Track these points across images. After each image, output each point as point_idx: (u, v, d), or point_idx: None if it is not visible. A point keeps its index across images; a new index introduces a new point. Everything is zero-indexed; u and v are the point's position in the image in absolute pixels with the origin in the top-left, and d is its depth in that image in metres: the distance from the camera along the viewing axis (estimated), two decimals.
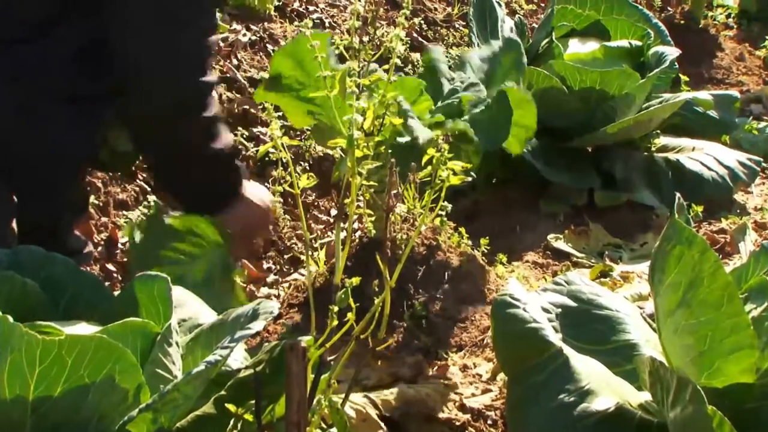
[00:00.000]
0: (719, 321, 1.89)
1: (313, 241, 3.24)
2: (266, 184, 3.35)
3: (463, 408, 2.50)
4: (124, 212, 3.30)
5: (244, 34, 4.22)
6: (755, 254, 2.18)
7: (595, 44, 4.16)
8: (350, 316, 1.91)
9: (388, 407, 2.39)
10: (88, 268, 2.82)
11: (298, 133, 3.88)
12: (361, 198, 2.10)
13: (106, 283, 2.68)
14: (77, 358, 1.62)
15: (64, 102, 2.38)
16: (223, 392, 1.85)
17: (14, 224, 2.36)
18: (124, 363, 1.67)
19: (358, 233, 3.06)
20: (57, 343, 1.61)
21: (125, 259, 3.15)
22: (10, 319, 1.61)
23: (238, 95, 3.91)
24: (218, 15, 4.02)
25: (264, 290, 3.25)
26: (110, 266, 3.10)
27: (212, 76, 2.44)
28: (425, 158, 1.92)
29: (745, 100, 5.06)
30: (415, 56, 4.56)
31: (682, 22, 5.83)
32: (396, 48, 1.97)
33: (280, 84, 2.85)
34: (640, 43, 4.19)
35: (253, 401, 1.84)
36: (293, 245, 3.49)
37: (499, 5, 4.24)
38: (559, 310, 2.27)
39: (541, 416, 2.05)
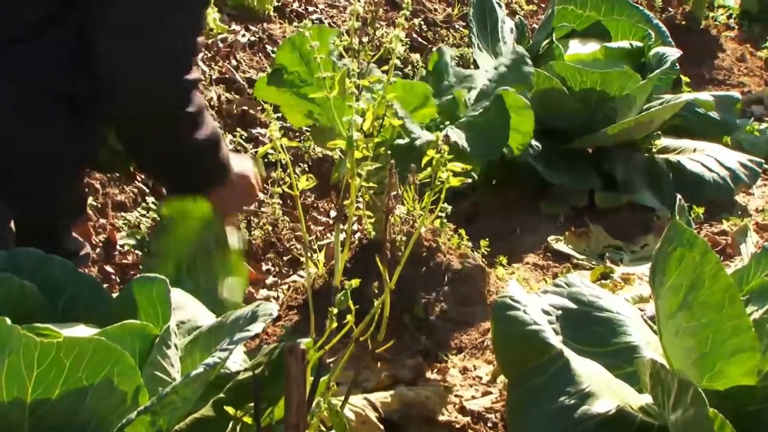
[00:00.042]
0: (720, 323, 1.89)
1: (312, 242, 3.24)
2: (266, 185, 3.35)
3: (463, 410, 2.49)
4: (123, 214, 3.29)
5: (243, 35, 4.22)
6: (756, 256, 2.18)
7: (595, 45, 4.16)
8: (350, 318, 1.90)
9: (388, 409, 2.38)
10: (87, 270, 2.81)
11: (298, 134, 3.87)
12: (360, 199, 2.09)
13: (105, 285, 2.68)
14: (75, 361, 1.62)
15: (64, 102, 2.37)
16: (221, 395, 1.84)
17: (12, 225, 2.36)
18: (122, 365, 1.67)
19: (358, 235, 3.05)
20: (55, 345, 1.61)
21: (123, 261, 3.15)
22: (8, 321, 1.60)
23: (236, 96, 3.91)
24: (218, 15, 4.03)
25: (263, 292, 3.25)
26: (108, 268, 3.09)
27: (196, 74, 2.42)
28: (425, 160, 1.91)
29: (747, 101, 5.06)
30: (415, 57, 4.56)
31: (683, 22, 5.82)
32: (396, 49, 1.97)
33: (282, 79, 2.84)
34: (641, 44, 4.18)
35: (252, 404, 1.84)
36: (292, 247, 3.48)
37: (500, 6, 4.24)
38: (560, 312, 2.27)
39: (542, 419, 2.05)
